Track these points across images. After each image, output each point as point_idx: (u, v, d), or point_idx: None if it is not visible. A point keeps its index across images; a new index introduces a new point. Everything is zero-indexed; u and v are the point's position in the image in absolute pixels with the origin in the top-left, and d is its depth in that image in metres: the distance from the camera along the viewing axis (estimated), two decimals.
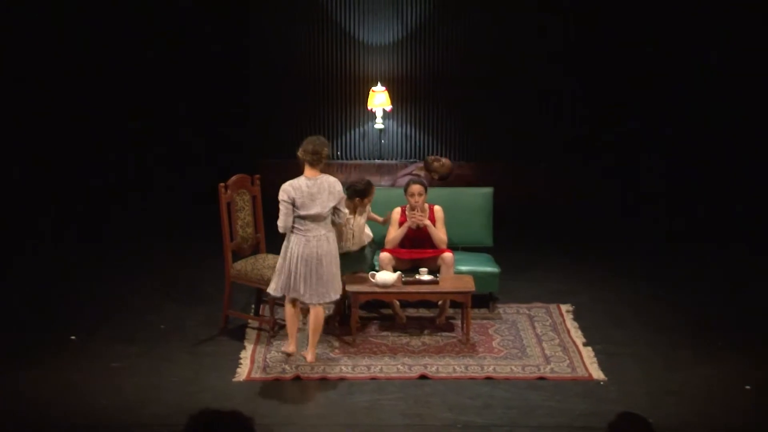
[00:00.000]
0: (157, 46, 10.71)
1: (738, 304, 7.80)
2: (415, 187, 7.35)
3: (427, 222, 7.33)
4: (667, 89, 10.77)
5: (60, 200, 10.13)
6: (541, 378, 6.45)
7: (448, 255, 7.26)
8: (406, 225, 7.34)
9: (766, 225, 9.63)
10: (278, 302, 7.27)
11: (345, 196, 6.69)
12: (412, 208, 7.35)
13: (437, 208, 7.47)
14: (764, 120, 10.39)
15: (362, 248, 7.31)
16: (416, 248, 7.41)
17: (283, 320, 7.26)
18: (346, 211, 6.75)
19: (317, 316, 6.63)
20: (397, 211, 7.43)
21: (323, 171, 6.65)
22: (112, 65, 10.65)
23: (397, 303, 7.39)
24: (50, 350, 6.86)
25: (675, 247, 9.36)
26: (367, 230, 7.36)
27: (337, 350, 6.92)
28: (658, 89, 10.79)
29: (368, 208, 7.32)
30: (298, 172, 6.74)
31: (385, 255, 7.27)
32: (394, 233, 7.37)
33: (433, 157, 8.58)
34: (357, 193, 7.13)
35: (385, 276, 6.93)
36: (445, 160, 8.53)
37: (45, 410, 6.00)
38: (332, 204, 6.55)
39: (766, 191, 10.10)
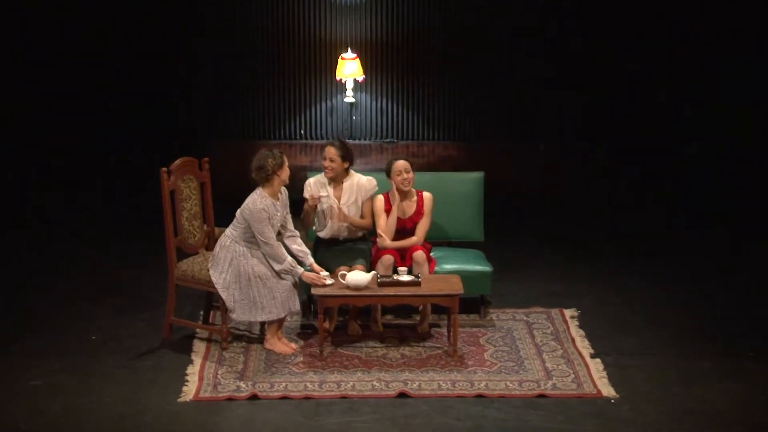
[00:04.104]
0: (93, 8, 10.67)
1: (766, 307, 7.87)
2: (401, 163, 7.36)
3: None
4: (682, 69, 10.88)
5: None
6: (542, 395, 6.46)
7: (418, 253, 7.27)
8: (394, 213, 7.33)
9: None
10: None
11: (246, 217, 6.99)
12: (401, 191, 7.33)
13: (427, 195, 7.46)
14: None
15: (358, 239, 7.44)
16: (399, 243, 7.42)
17: (237, 329, 7.40)
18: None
19: None
20: (380, 199, 7.41)
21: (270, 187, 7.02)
22: (44, 35, 10.66)
23: (379, 308, 7.41)
24: None
25: (690, 242, 9.46)
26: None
27: (301, 364, 6.89)
28: (674, 68, 10.88)
29: (348, 208, 7.37)
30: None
31: (388, 257, 7.25)
32: (384, 223, 7.36)
33: None
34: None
35: (358, 276, 6.92)
36: None
37: None
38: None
39: None
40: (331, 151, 7.33)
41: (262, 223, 6.89)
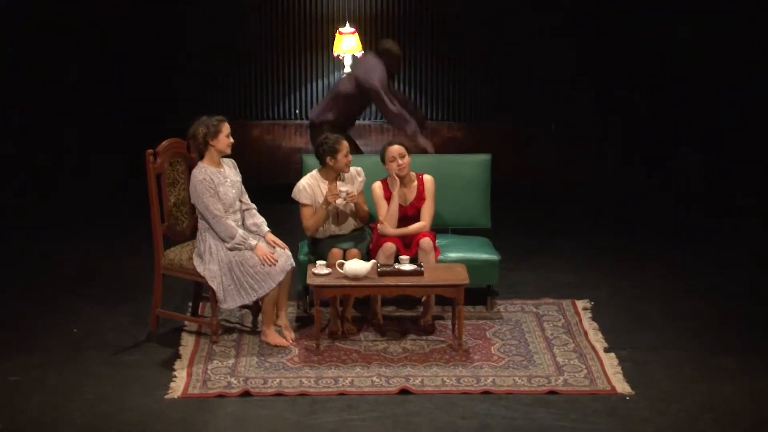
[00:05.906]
0: None
1: None
2: (395, 148, 7.32)
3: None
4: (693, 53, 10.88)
5: None
6: (552, 392, 6.48)
7: (425, 240, 7.26)
8: (395, 200, 7.32)
9: None
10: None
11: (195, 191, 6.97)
12: (400, 178, 7.31)
13: (427, 178, 7.45)
14: None
15: (356, 229, 7.40)
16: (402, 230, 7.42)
17: (228, 321, 7.43)
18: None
19: None
20: (378, 186, 7.39)
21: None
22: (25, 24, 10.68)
23: (379, 299, 7.42)
24: None
25: (711, 230, 9.42)
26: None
27: (296, 359, 6.91)
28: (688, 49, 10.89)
29: (358, 191, 7.32)
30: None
31: (389, 245, 7.24)
32: (386, 210, 7.33)
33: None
34: (327, 152, 7.18)
35: (356, 265, 6.93)
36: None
37: None
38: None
39: None
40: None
41: (205, 195, 6.87)
